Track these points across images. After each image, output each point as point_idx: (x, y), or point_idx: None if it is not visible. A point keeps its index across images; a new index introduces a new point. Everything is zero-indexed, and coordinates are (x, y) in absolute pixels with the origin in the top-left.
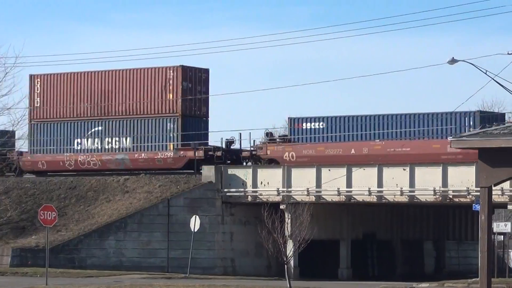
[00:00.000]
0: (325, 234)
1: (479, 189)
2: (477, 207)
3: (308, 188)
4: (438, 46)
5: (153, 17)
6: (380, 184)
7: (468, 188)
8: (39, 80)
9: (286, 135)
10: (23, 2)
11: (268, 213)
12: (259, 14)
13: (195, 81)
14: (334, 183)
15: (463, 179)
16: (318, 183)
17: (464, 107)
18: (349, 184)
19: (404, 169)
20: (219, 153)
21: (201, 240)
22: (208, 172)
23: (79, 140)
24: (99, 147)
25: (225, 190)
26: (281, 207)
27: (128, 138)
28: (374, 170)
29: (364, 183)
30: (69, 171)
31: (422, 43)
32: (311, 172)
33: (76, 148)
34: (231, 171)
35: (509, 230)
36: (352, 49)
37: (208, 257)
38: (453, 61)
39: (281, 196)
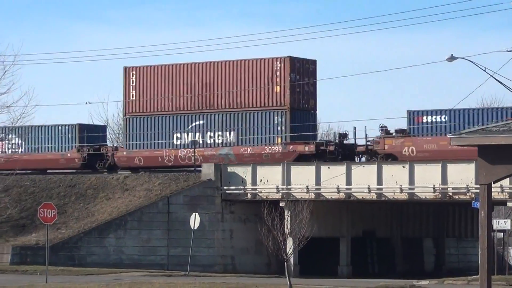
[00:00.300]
0: (325, 231)
1: (478, 186)
2: (476, 204)
3: (307, 186)
4: (436, 43)
5: (149, 14)
6: (379, 181)
7: (467, 185)
8: (134, 72)
9: (404, 129)
10: (20, 1)
11: (267, 211)
12: (257, 11)
13: (302, 73)
14: (333, 181)
15: (462, 176)
16: (318, 181)
17: (463, 104)
18: (348, 181)
19: (403, 167)
20: (331, 148)
21: (201, 238)
22: (207, 170)
23: (178, 134)
24: (201, 142)
25: (225, 187)
26: (281, 204)
27: (232, 132)
28: (374, 168)
29: (363, 181)
30: (168, 167)
31: (420, 41)
32: (311, 169)
33: (175, 143)
34: (230, 168)
35: (509, 227)
36: (348, 46)
37: (208, 255)
38: (452, 58)
39: (280, 194)
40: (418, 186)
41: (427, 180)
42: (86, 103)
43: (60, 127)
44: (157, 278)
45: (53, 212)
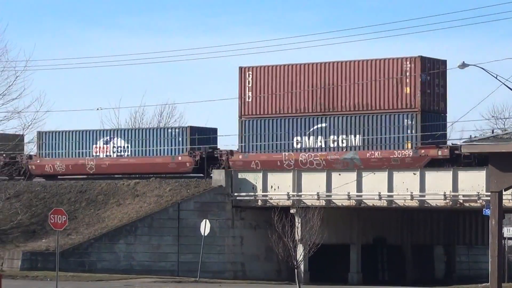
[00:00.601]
0: (335, 238)
1: (489, 193)
2: (487, 211)
3: (318, 193)
4: (447, 51)
5: (161, 20)
6: (390, 188)
7: (478, 192)
8: (250, 72)
9: None
10: (32, 6)
11: (278, 217)
12: (269, 18)
13: (433, 74)
14: (344, 188)
15: (473, 184)
16: (329, 188)
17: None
18: (359, 188)
19: (414, 174)
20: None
21: (211, 244)
22: (218, 176)
23: (298, 138)
24: (323, 146)
25: (235, 194)
26: (291, 211)
27: (357, 136)
28: (385, 175)
29: (374, 188)
30: (287, 171)
31: (431, 48)
32: (321, 176)
33: (296, 147)
34: (241, 175)
35: None
36: (358, 53)
37: (218, 261)
38: (463, 65)
39: (291, 200)
40: (429, 194)
41: (438, 187)
42: (98, 109)
43: (170, 130)
44: (168, 285)
45: (64, 218)
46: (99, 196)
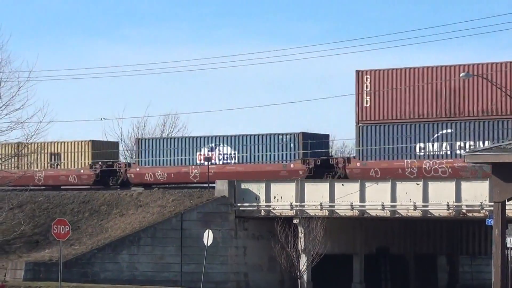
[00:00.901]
0: (338, 248)
1: (492, 204)
2: (490, 221)
3: (321, 203)
4: (450, 61)
5: (165, 32)
6: (393, 198)
7: (481, 202)
8: (368, 76)
9: None
10: (36, 17)
11: (281, 228)
12: (271, 29)
13: None
14: (347, 198)
15: (476, 194)
16: (332, 198)
17: None
18: (362, 198)
19: (417, 184)
20: None
21: (214, 255)
22: (221, 186)
23: (422, 144)
24: (449, 153)
25: (239, 204)
26: (295, 221)
27: (486, 142)
28: (388, 185)
29: (377, 198)
30: (410, 180)
31: (433, 58)
32: (325, 186)
33: (418, 153)
34: (244, 185)
35: None
36: (361, 64)
37: (221, 272)
38: (467, 75)
39: (294, 211)
40: (432, 204)
41: (441, 198)
42: (101, 119)
43: (280, 136)
44: None
45: (67, 228)
46: (102, 206)
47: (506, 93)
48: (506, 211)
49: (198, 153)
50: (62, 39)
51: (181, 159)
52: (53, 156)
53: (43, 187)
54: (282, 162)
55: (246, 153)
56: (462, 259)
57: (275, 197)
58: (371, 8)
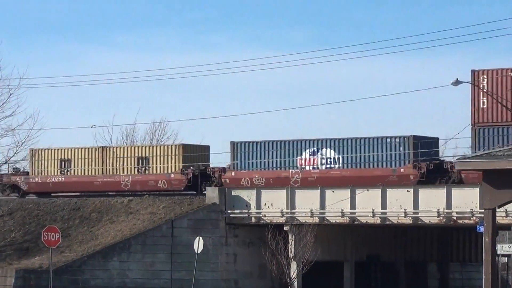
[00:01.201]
0: (328, 255)
1: (483, 210)
2: (481, 228)
3: (312, 210)
4: (441, 68)
5: (155, 39)
6: (384, 205)
7: (472, 209)
8: (485, 76)
9: None
10: (26, 24)
11: (272, 235)
12: (262, 36)
13: None
14: (338, 205)
15: (467, 201)
16: (322, 205)
17: None
18: (353, 205)
19: (408, 191)
20: None
21: (205, 262)
22: (212, 193)
23: None
24: None
25: (229, 211)
26: (285, 228)
27: None
28: (378, 192)
29: (368, 205)
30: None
31: (423, 65)
32: (315, 193)
33: None
34: (235, 192)
35: None
36: (353, 71)
37: (212, 279)
38: (457, 82)
39: (285, 218)
40: (423, 210)
41: (432, 204)
42: (92, 127)
43: (389, 139)
44: None
45: (57, 235)
46: (93, 213)
47: None
48: (497, 218)
49: (298, 157)
50: (52, 46)
51: (279, 161)
52: (140, 160)
53: (128, 193)
54: (391, 166)
55: (352, 157)
56: (453, 266)
57: (265, 204)
58: (373, 12)
